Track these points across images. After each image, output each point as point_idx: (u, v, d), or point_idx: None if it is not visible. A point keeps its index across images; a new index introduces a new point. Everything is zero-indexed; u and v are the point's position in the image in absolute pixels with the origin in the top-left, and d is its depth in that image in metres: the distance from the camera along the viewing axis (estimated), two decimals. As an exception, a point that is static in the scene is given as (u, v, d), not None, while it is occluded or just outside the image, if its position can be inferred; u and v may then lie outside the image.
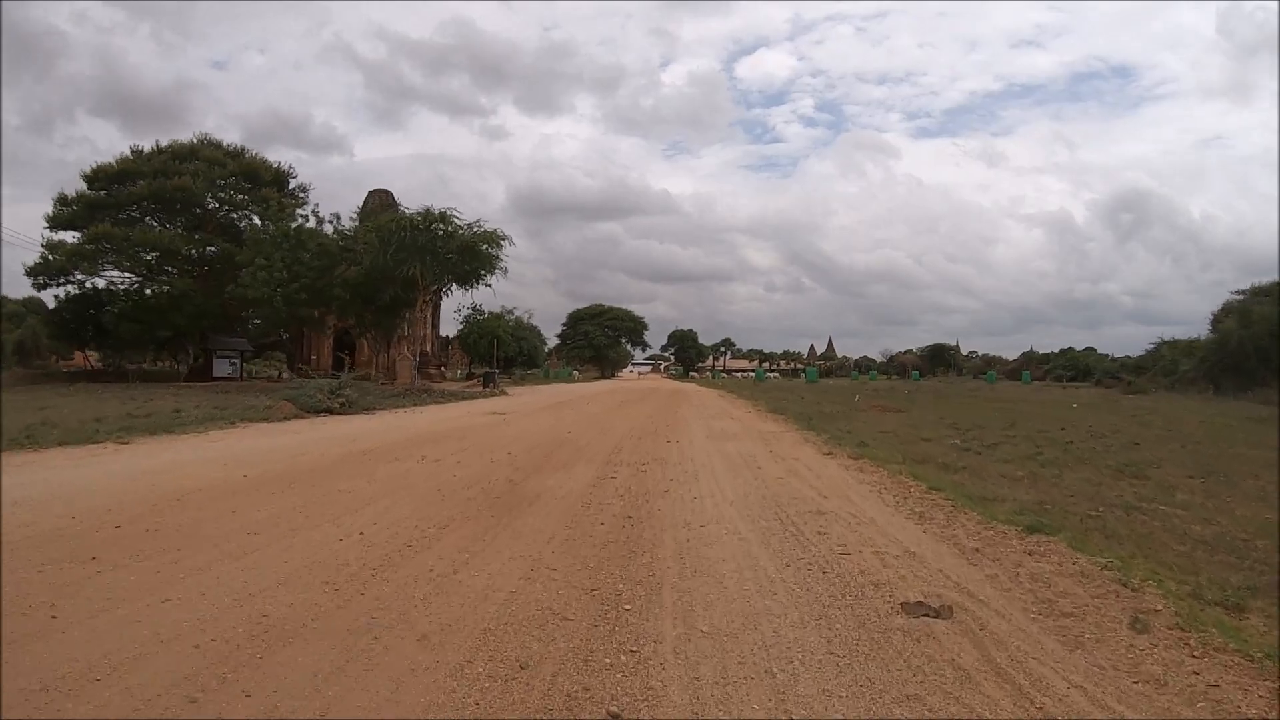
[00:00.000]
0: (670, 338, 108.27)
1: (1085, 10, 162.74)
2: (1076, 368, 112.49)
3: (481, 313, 54.51)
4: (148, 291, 40.64)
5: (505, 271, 34.09)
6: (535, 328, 60.90)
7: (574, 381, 61.07)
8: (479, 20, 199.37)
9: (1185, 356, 64.97)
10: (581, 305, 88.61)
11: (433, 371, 50.32)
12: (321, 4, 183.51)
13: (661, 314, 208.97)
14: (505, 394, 29.79)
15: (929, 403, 27.30)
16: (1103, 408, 26.14)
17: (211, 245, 40.37)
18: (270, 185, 42.11)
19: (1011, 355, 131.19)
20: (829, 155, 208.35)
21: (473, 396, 28.59)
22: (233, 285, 36.16)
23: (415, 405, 22.87)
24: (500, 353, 53.52)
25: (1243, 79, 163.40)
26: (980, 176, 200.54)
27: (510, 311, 58.66)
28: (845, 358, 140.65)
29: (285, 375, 49.35)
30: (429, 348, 51.83)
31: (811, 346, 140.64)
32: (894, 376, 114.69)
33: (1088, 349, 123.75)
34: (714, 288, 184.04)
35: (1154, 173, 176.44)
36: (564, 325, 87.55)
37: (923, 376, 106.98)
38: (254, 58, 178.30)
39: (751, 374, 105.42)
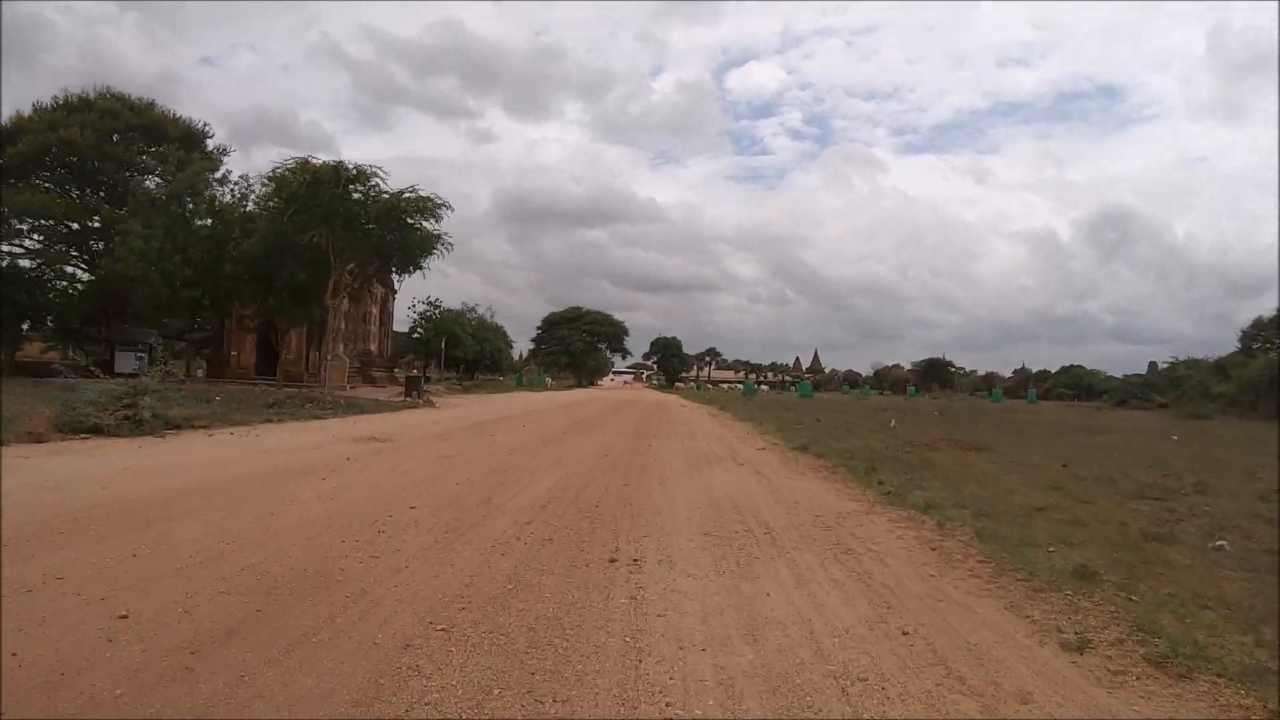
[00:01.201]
0: (653, 345, 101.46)
1: (1072, 30, 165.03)
2: (1080, 386, 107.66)
3: (437, 308, 47.69)
4: (24, 265, 33.43)
5: (448, 249, 27.25)
6: (499, 327, 53.94)
7: (544, 390, 54.16)
8: (468, 22, 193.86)
9: (1213, 377, 60.12)
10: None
11: (377, 374, 43.21)
12: (310, 4, 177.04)
13: (645, 323, 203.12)
14: (432, 405, 22.91)
15: (991, 431, 20.68)
16: (1204, 439, 19.72)
17: (97, 213, 33.23)
18: (177, 143, 35.06)
19: (992, 370, 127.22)
20: (815, 168, 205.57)
21: (392, 407, 21.66)
22: (107, 259, 29.13)
23: (279, 420, 15.92)
24: (459, 354, 46.54)
25: (1232, 98, 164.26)
26: (966, 192, 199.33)
27: (472, 309, 51.85)
28: (834, 370, 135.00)
29: (199, 374, 42.14)
30: (375, 346, 44.77)
31: (797, 359, 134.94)
32: (885, 391, 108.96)
33: (1075, 366, 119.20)
34: (698, 298, 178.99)
35: (1139, 191, 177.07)
36: (539, 328, 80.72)
37: (919, 392, 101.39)
38: (242, 55, 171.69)
39: (738, 386, 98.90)
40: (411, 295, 48.41)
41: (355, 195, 24.50)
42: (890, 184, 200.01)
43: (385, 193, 24.79)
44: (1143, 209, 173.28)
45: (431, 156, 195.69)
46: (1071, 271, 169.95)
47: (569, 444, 12.46)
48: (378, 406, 20.75)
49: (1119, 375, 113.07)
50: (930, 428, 21.56)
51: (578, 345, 75.92)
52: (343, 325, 40.13)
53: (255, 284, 26.35)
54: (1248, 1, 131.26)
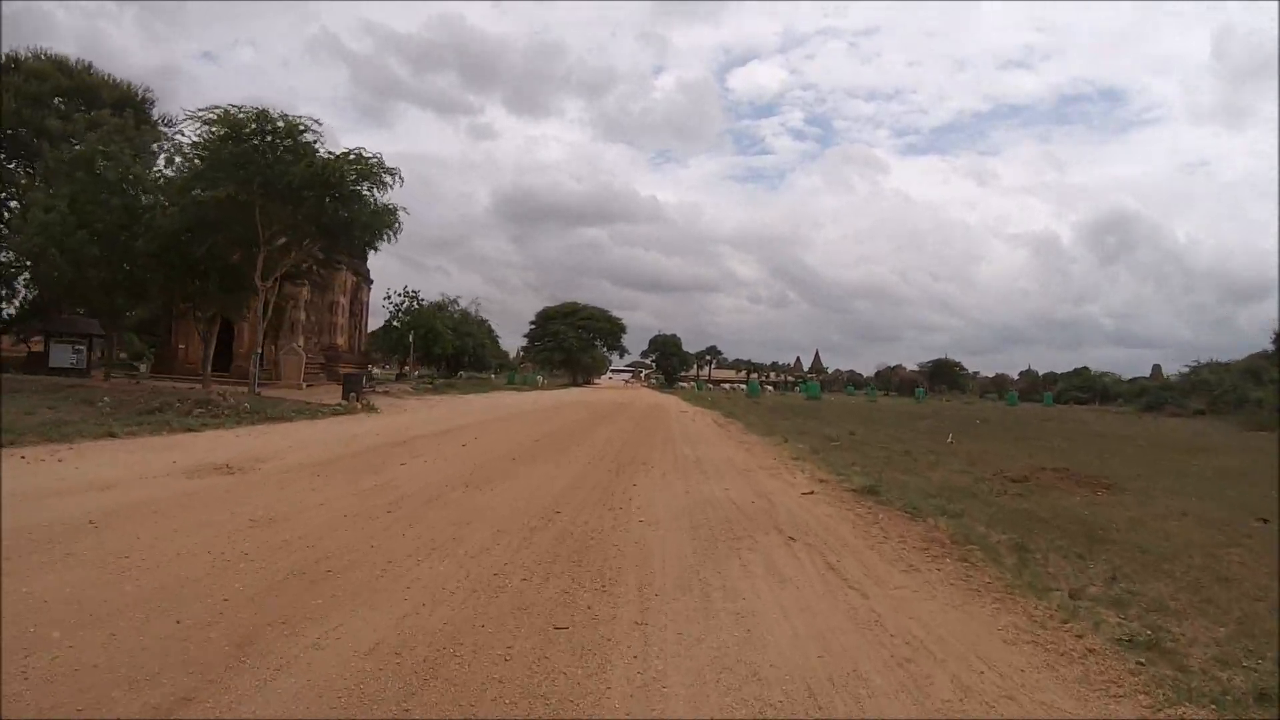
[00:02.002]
0: (652, 343, 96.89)
1: (1074, 34, 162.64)
2: (1092, 389, 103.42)
3: (416, 300, 43.33)
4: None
5: (396, 231, 22.89)
6: (484, 321, 49.44)
7: (533, 389, 49.76)
8: (468, 17, 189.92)
9: (1245, 382, 57.39)
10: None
11: (342, 370, 38.81)
12: (309, 1, 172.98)
13: (645, 323, 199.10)
14: (373, 411, 18.48)
15: (1065, 446, 16.32)
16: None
17: (13, 185, 28.86)
18: (112, 108, 30.64)
19: (1001, 372, 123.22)
20: (816, 169, 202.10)
21: (321, 413, 17.25)
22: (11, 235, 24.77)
23: (137, 434, 11.53)
24: (437, 350, 42.13)
25: (1236, 103, 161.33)
26: (967, 195, 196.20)
27: (453, 301, 47.39)
28: (838, 371, 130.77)
29: (142, 369, 37.73)
30: (344, 340, 40.37)
31: (798, 359, 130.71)
32: (891, 393, 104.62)
33: (1084, 368, 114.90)
34: (697, 298, 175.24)
35: (1140, 195, 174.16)
36: (532, 324, 76.05)
37: (928, 394, 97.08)
38: (242, 51, 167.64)
39: (740, 386, 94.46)
40: (387, 286, 44.06)
41: (283, 153, 20.09)
42: (891, 185, 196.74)
43: (323, 153, 20.39)
44: (1143, 213, 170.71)
45: (431, 154, 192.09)
46: (1071, 275, 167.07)
47: (508, 485, 8.02)
48: (299, 412, 16.34)
49: (1124, 379, 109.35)
50: (997, 444, 17.20)
51: (572, 342, 71.33)
52: (303, 316, 35.77)
53: (173, 263, 21.89)
54: (1252, 2, 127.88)
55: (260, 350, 34.61)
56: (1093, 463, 13.37)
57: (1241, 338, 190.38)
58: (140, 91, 33.24)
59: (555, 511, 6.54)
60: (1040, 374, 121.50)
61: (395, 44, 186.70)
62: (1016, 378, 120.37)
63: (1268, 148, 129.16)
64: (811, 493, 8.10)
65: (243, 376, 33.63)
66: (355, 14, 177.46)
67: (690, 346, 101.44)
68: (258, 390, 22.17)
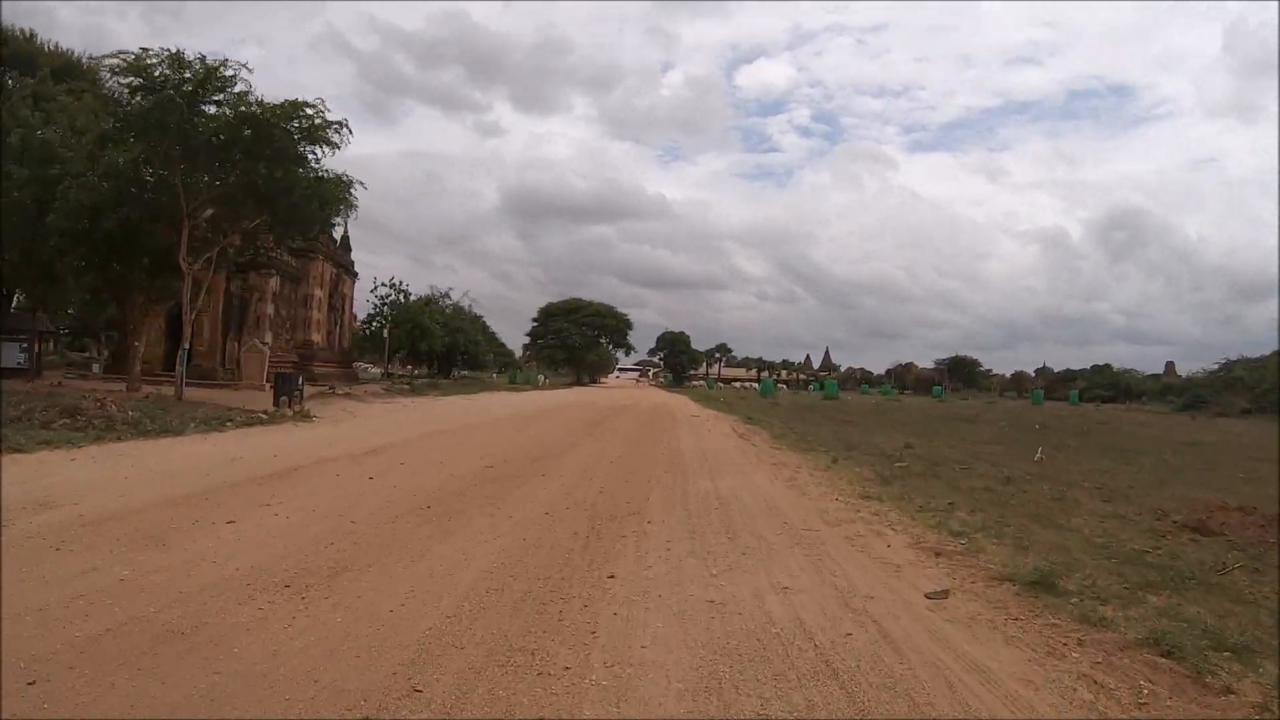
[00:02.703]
0: (659, 341, 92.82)
1: (1082, 29, 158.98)
2: (1114, 386, 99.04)
3: (402, 293, 39.68)
4: None
5: (350, 205, 19.29)
6: (478, 318, 45.61)
7: (530, 389, 46.02)
8: (474, 13, 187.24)
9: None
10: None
11: (323, 369, 35.22)
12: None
13: (652, 320, 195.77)
14: (306, 419, 14.66)
15: (1219, 471, 12.44)
16: None
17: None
18: (50, 77, 27.05)
19: (998, 370, 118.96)
20: (824, 166, 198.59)
21: (229, 423, 13.53)
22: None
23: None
24: (424, 347, 38.45)
25: (1247, 98, 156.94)
26: (975, 191, 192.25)
27: (444, 295, 43.62)
28: (851, 369, 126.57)
29: (94, 368, 34.25)
30: (322, 336, 36.76)
31: (808, 356, 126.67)
32: (907, 391, 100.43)
33: (1105, 365, 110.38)
34: (705, 295, 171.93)
35: (1149, 192, 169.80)
36: (534, 320, 72.21)
37: (945, 392, 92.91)
38: (248, 49, 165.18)
39: (752, 385, 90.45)
40: (373, 278, 40.41)
41: (207, 105, 16.41)
42: (900, 182, 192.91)
43: (253, 104, 16.62)
44: (1153, 209, 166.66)
45: (438, 151, 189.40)
46: (1080, 272, 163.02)
47: (352, 591, 4.20)
48: (205, 423, 12.61)
49: (1142, 376, 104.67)
50: (1090, 459, 13.29)
51: (576, 339, 67.47)
52: (271, 309, 32.12)
53: (89, 243, 18.20)
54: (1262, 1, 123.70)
55: (220, 344, 31.08)
56: (1248, 489, 9.50)
57: (1250, 335, 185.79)
58: (85, 60, 29.64)
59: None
60: (1055, 371, 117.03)
61: (401, 40, 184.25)
62: (1033, 375, 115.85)
63: (1275, 143, 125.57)
64: (944, 595, 4.26)
65: (203, 376, 30.09)
66: (360, 10, 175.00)
67: (698, 344, 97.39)
68: (183, 394, 18.47)
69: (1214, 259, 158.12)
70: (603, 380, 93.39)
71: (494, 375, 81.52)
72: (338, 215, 20.76)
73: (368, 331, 36.42)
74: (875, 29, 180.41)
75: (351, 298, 41.02)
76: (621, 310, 73.13)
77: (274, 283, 31.98)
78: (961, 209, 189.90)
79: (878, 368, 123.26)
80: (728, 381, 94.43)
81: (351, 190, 19.47)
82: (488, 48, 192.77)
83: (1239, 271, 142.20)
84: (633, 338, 79.06)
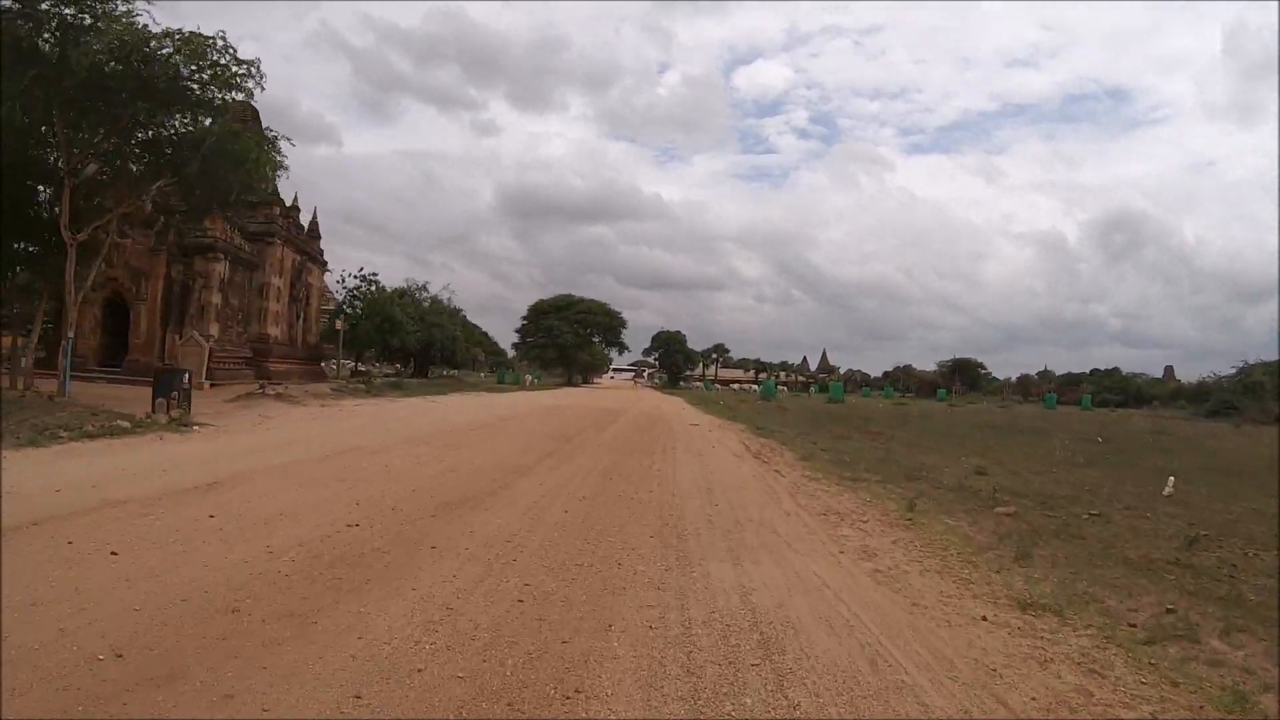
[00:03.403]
0: (654, 340, 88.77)
1: (1081, 32, 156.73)
2: (1125, 391, 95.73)
3: (372, 284, 35.91)
4: None
5: (270, 168, 15.66)
6: (458, 311, 41.70)
7: (515, 390, 42.25)
8: (470, 10, 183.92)
9: None
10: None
11: (283, 367, 31.44)
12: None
13: (649, 321, 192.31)
14: (184, 428, 10.89)
15: None
16: None
17: None
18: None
19: (1024, 373, 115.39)
20: (821, 168, 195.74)
21: (77, 432, 9.78)
22: None
23: None
24: (395, 342, 34.64)
25: (1246, 100, 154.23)
26: (973, 193, 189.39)
27: (420, 287, 39.77)
28: (852, 371, 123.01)
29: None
30: (283, 329, 32.96)
31: (805, 359, 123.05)
32: (909, 394, 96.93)
33: (1114, 369, 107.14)
34: (702, 296, 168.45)
35: (1148, 194, 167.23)
36: (524, 318, 68.24)
37: (949, 394, 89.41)
38: (245, 47, 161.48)
39: (750, 387, 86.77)
40: (342, 269, 36.60)
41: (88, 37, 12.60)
42: (897, 184, 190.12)
43: (133, 33, 12.82)
44: (1151, 212, 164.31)
45: (435, 150, 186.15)
46: (1079, 275, 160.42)
47: None
48: (45, 434, 8.93)
49: (1144, 378, 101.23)
50: (1233, 491, 9.59)
51: (567, 338, 63.58)
52: (217, 299, 28.29)
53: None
54: (1263, 1, 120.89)
55: (159, 337, 27.30)
56: None
57: (1250, 338, 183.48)
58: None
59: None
60: (1058, 375, 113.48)
61: (397, 38, 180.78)
62: (1036, 378, 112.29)
63: (1275, 145, 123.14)
64: None
65: (139, 373, 26.33)
66: (356, 8, 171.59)
67: (695, 345, 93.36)
68: (65, 392, 14.67)
69: (1213, 262, 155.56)
70: (596, 381, 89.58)
71: (482, 375, 77.75)
72: (262, 181, 17.03)
73: (333, 325, 32.67)
74: (872, 30, 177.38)
75: (321, 289, 37.23)
76: (617, 309, 69.14)
77: (222, 268, 28.17)
78: (959, 211, 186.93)
79: (875, 370, 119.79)
80: (725, 383, 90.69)
81: (276, 149, 15.81)
82: (485, 46, 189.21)
83: (1238, 274, 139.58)
84: (629, 338, 75.35)
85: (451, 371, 46.91)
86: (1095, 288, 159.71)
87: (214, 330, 27.58)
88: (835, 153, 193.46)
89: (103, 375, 25.64)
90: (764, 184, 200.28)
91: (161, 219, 27.49)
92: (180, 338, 26.40)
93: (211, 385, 23.35)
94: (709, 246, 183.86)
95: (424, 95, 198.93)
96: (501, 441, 12.08)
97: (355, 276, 35.64)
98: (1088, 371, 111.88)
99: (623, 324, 68.74)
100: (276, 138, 15.63)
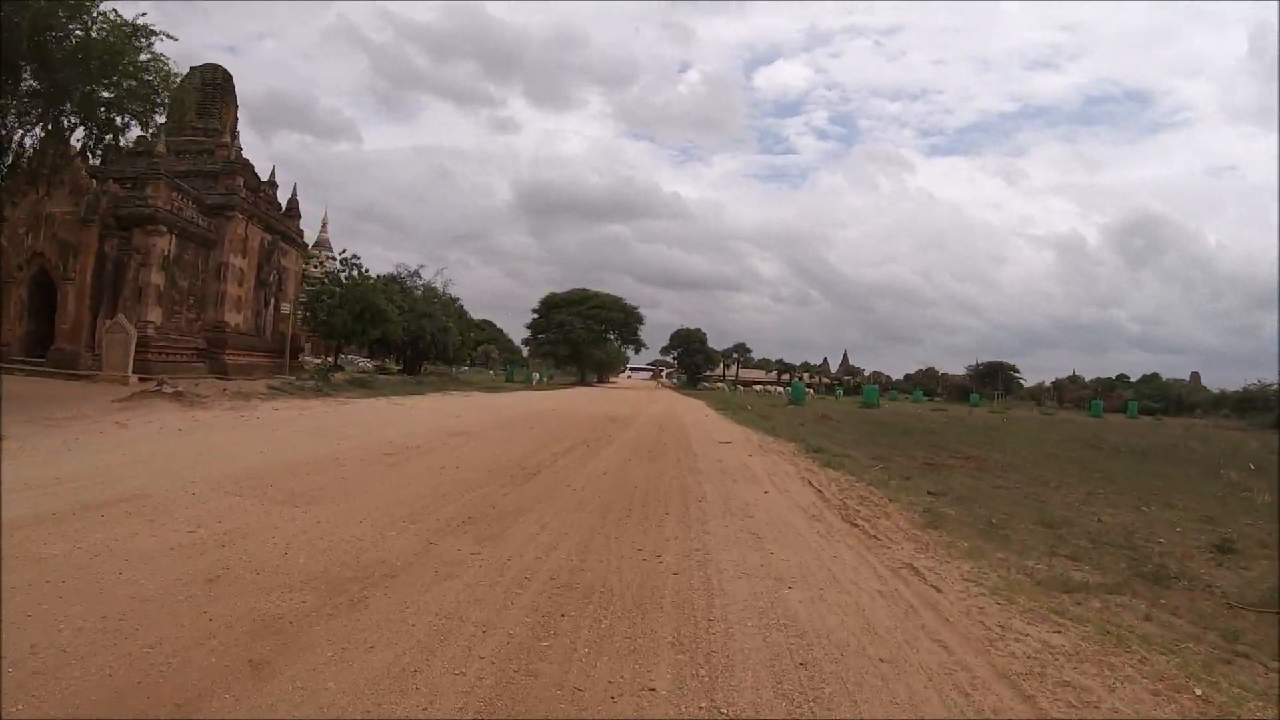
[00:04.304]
0: (674, 338, 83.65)
1: (1101, 33, 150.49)
2: (1165, 398, 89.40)
3: (357, 269, 31.25)
4: None
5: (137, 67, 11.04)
6: (454, 301, 36.72)
7: (521, 389, 37.54)
8: (489, 6, 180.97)
9: None
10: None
11: (244, 359, 26.90)
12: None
13: (666, 320, 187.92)
14: None
15: None
16: None
17: None
18: None
19: (1059, 376, 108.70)
20: (840, 169, 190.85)
21: None
22: None
23: None
24: (374, 334, 29.91)
25: (1270, 102, 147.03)
26: (991, 195, 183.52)
27: (412, 274, 35.04)
28: (876, 373, 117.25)
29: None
30: (242, 318, 28.43)
31: (825, 360, 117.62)
32: (937, 398, 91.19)
33: (1154, 375, 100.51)
34: (719, 296, 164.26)
35: (1167, 198, 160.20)
36: (534, 312, 63.49)
37: (991, 400, 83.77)
38: (266, 43, 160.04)
39: (777, 389, 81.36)
40: (317, 251, 31.91)
41: None
42: (916, 185, 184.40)
43: None
44: (1171, 216, 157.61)
45: (451, 146, 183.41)
46: (1097, 279, 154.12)
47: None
48: None
49: (1182, 383, 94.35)
50: None
51: (580, 334, 58.68)
52: (157, 279, 23.71)
53: None
54: None
55: (88, 326, 22.79)
56: None
57: (1269, 345, 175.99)
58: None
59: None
60: (1088, 380, 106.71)
61: (414, 33, 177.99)
62: (1068, 382, 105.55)
63: None
64: None
65: (64, 364, 21.89)
66: (374, 5, 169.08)
67: (713, 345, 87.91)
68: None
69: (1233, 267, 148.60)
70: (613, 380, 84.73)
71: (491, 373, 73.11)
72: (149, 95, 12.39)
73: (284, 310, 28.03)
74: (893, 30, 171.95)
75: (299, 274, 32.63)
76: (634, 305, 63.98)
77: (165, 243, 23.63)
78: (978, 213, 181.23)
79: (896, 372, 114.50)
80: (747, 384, 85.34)
81: (149, 44, 11.17)
82: (502, 41, 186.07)
83: (1258, 280, 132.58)
84: (647, 335, 70.35)
85: (449, 368, 42.17)
86: (1114, 292, 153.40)
87: (154, 316, 23.07)
88: (855, 154, 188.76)
89: (22, 368, 21.26)
90: (782, 184, 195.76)
91: (95, 184, 23.11)
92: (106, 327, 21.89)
93: (140, 380, 18.74)
94: (726, 246, 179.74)
95: (442, 91, 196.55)
96: (455, 468, 7.26)
97: (333, 258, 31.01)
98: (1113, 376, 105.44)
99: (639, 320, 63.73)
100: (148, 32, 10.93)
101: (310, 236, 60.04)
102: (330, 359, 32.27)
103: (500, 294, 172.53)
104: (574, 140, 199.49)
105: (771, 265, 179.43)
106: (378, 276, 31.78)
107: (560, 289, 62.87)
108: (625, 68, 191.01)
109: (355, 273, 30.30)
